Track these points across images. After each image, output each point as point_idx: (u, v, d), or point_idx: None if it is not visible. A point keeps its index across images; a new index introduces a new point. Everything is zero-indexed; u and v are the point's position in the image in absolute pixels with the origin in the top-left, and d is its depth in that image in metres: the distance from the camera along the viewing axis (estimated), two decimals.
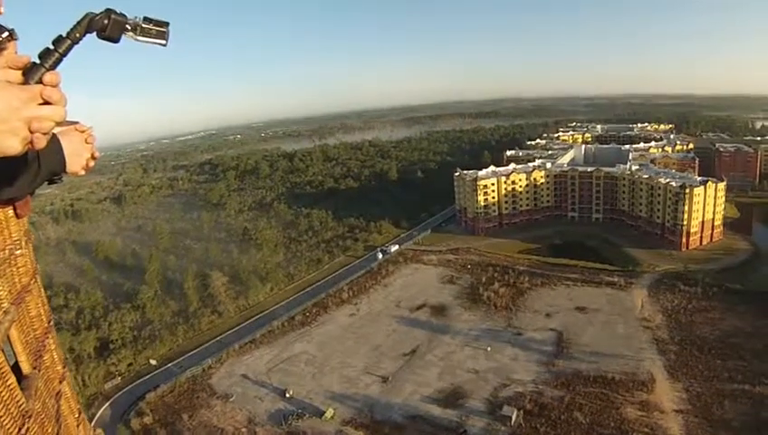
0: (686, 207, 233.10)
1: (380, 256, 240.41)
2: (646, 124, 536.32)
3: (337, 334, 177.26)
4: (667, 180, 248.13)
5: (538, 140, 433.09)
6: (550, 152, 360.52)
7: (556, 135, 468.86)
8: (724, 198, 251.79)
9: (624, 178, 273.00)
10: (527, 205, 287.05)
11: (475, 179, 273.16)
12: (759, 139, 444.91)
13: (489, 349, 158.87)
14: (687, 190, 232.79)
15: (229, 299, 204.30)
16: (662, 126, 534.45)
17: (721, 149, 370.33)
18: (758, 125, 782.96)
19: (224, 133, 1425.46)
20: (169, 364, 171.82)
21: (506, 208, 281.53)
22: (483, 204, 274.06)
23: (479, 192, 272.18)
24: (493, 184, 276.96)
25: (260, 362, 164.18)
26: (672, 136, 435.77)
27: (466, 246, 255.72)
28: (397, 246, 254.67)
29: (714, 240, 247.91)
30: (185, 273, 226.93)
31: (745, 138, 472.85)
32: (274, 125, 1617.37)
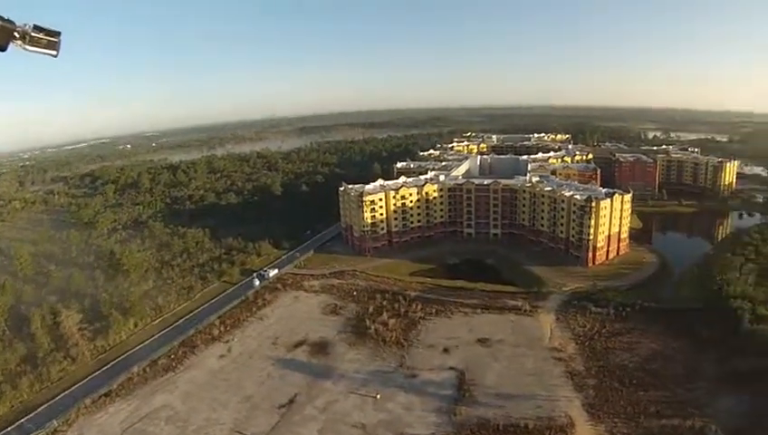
0: (592, 221, 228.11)
1: (257, 282, 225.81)
2: (543, 134, 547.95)
3: (205, 381, 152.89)
4: (571, 193, 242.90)
5: (431, 151, 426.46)
6: (444, 163, 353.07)
7: (450, 145, 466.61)
8: (630, 210, 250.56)
9: (524, 191, 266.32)
10: (419, 221, 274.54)
11: (361, 195, 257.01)
12: (655, 148, 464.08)
13: (378, 396, 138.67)
14: (593, 203, 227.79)
15: (85, 340, 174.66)
16: (559, 136, 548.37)
17: (621, 159, 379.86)
18: (650, 135, 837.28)
19: (116, 142, 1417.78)
20: (8, 428, 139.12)
21: (396, 226, 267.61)
22: (370, 221, 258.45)
23: (366, 208, 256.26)
24: (381, 199, 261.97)
25: (114, 422, 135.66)
26: (570, 146, 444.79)
27: (352, 269, 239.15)
28: (276, 271, 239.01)
29: (620, 254, 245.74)
30: (37, 308, 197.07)
31: (642, 147, 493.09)
32: (168, 134, 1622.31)
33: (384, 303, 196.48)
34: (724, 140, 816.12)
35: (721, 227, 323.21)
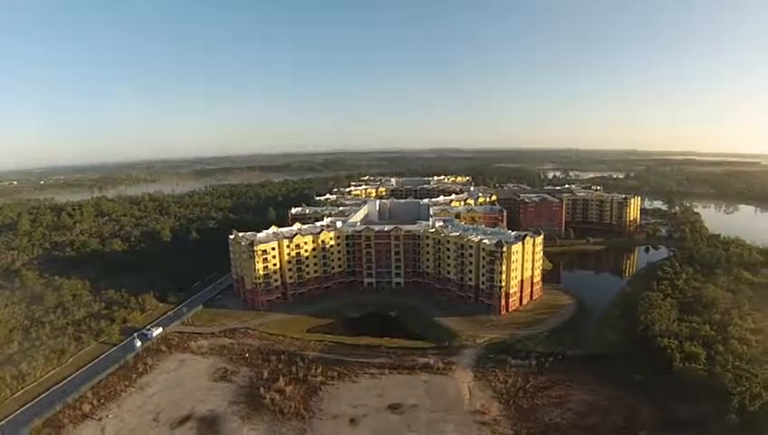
0: (504, 267, 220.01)
1: (138, 343, 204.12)
2: (443, 177, 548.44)
3: None
4: (479, 238, 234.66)
5: (328, 196, 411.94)
6: (341, 208, 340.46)
7: (348, 189, 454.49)
8: (542, 253, 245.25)
9: (428, 238, 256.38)
10: (315, 272, 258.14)
11: (252, 244, 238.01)
12: (558, 188, 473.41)
13: None
14: (504, 248, 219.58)
15: None
16: (459, 178, 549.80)
17: (526, 200, 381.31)
18: (549, 175, 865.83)
19: (0, 178, 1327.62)
20: None
21: (291, 277, 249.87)
22: (262, 273, 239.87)
23: (257, 259, 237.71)
24: (274, 248, 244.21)
25: None
26: (473, 188, 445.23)
27: (244, 327, 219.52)
28: (160, 329, 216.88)
29: (534, 298, 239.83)
30: None
31: (545, 187, 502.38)
32: (59, 172, 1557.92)
33: (280, 365, 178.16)
34: (621, 176, 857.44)
35: (631, 263, 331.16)
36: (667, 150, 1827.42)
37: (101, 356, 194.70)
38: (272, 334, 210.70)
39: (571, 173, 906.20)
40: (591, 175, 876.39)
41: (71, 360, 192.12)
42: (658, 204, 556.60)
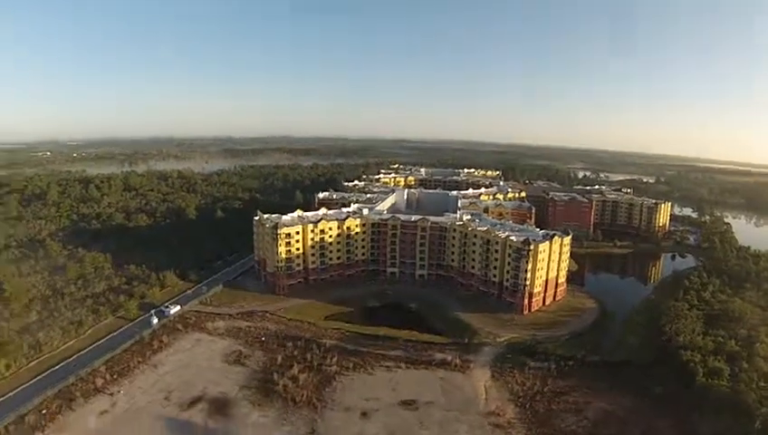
0: (530, 265, 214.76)
1: (155, 320, 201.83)
2: (473, 169, 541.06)
3: None
4: (507, 234, 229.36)
5: (356, 182, 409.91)
6: (368, 196, 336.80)
7: (377, 177, 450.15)
8: (568, 254, 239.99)
9: (455, 230, 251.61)
10: (338, 258, 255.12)
11: (276, 227, 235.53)
12: (588, 188, 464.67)
13: None
14: (531, 246, 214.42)
15: None
16: (489, 172, 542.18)
17: (555, 199, 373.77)
18: (579, 175, 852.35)
19: (33, 148, 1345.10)
20: None
21: (313, 262, 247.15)
22: (285, 256, 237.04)
23: (281, 242, 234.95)
24: (298, 232, 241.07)
25: None
26: (502, 183, 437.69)
27: (262, 310, 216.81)
28: (178, 307, 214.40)
29: (557, 299, 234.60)
30: None
31: (575, 187, 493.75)
32: (93, 145, 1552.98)
33: (295, 352, 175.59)
34: (651, 181, 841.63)
35: (657, 269, 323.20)
36: (697, 157, 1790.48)
37: (118, 331, 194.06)
38: (289, 319, 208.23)
39: (601, 174, 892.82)
40: (621, 177, 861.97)
41: (88, 332, 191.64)
42: (688, 211, 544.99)
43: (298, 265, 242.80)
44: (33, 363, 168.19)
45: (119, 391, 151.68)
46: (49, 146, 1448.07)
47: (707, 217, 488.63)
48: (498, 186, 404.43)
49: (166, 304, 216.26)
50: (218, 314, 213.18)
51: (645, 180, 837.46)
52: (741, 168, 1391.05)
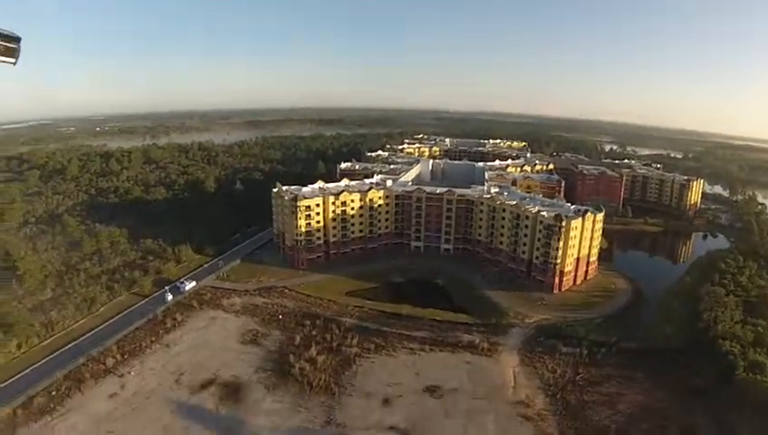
0: (561, 243, 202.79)
1: (170, 297, 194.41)
2: (498, 140, 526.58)
3: (85, 433, 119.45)
4: (537, 209, 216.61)
5: (379, 152, 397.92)
6: (392, 166, 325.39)
7: (400, 147, 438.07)
8: (601, 231, 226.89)
9: (482, 204, 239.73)
10: (361, 232, 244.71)
11: (296, 199, 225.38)
12: (618, 162, 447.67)
13: None
14: (563, 223, 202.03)
15: None
16: (515, 143, 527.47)
17: (585, 172, 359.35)
18: (606, 148, 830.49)
19: (58, 124, 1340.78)
20: None
21: (335, 236, 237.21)
22: (304, 230, 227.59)
23: (300, 215, 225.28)
24: (318, 205, 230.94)
25: None
26: (529, 154, 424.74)
27: (281, 285, 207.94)
28: (193, 283, 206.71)
29: (588, 278, 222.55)
30: None
31: (603, 160, 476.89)
32: (116, 119, 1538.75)
33: (314, 332, 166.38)
34: (679, 156, 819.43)
35: (687, 249, 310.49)
36: (726, 133, 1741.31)
37: (132, 308, 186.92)
38: (309, 296, 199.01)
39: (628, 148, 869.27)
40: (648, 152, 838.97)
41: (101, 310, 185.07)
42: (718, 189, 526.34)
43: (318, 238, 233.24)
44: (45, 342, 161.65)
45: (129, 372, 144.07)
46: (74, 122, 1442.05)
47: (740, 197, 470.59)
48: (525, 157, 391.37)
49: (181, 280, 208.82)
50: (235, 289, 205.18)
51: (672, 155, 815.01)
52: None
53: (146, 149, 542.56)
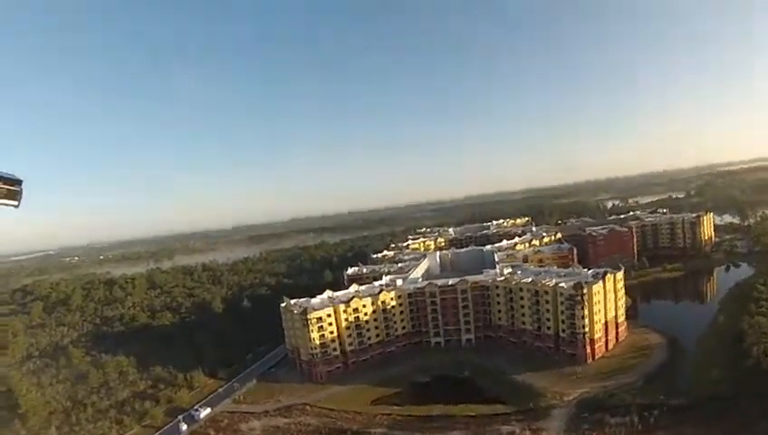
0: (586, 311, 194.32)
1: (184, 428, 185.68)
2: (501, 220, 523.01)
3: None
4: (555, 281, 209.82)
5: (385, 252, 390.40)
6: (400, 265, 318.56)
7: (405, 244, 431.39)
8: (623, 290, 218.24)
9: (497, 287, 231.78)
10: (377, 336, 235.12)
11: (305, 311, 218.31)
12: (623, 216, 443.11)
13: None
14: (584, 290, 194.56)
15: None
16: (519, 220, 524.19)
17: (594, 234, 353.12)
18: (608, 205, 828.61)
19: (62, 254, 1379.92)
20: None
21: (351, 344, 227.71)
22: (319, 342, 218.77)
23: (312, 327, 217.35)
24: (329, 315, 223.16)
25: None
26: (534, 228, 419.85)
27: (301, 402, 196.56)
28: (209, 409, 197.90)
29: (620, 341, 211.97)
30: None
31: (609, 218, 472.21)
32: (119, 246, 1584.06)
33: None
34: (682, 196, 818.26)
35: (713, 286, 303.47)
36: (724, 162, 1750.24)
37: None
38: (332, 410, 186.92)
39: (629, 200, 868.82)
40: (650, 199, 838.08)
41: None
42: (727, 218, 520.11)
43: (334, 349, 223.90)
44: None
45: None
46: (78, 250, 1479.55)
47: (752, 220, 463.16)
48: (531, 232, 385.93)
49: (195, 407, 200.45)
50: (253, 412, 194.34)
51: (675, 196, 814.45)
52: (765, 163, 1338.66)
53: (150, 274, 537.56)
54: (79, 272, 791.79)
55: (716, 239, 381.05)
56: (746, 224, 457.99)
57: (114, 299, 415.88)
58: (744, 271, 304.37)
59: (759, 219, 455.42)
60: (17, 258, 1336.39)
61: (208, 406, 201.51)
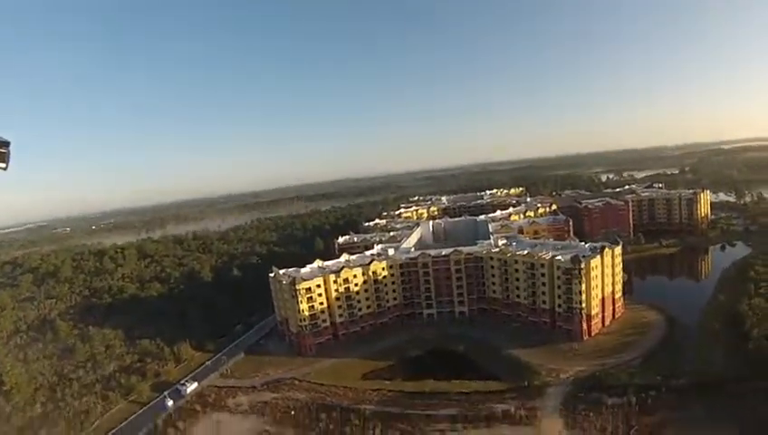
0: (583, 286, 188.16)
1: (170, 402, 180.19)
2: (495, 190, 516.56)
3: None
4: (551, 254, 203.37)
5: (377, 221, 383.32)
6: (392, 234, 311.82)
7: (398, 212, 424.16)
8: (621, 265, 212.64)
9: (492, 259, 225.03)
10: (368, 307, 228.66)
11: (294, 282, 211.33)
12: (619, 190, 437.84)
13: None
14: (582, 264, 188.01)
15: None
16: (513, 190, 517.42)
17: (590, 206, 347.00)
18: (603, 178, 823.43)
19: (54, 225, 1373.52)
20: None
21: (341, 315, 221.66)
22: (308, 313, 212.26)
23: (301, 298, 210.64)
24: (319, 285, 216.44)
25: None
26: (529, 199, 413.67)
27: (290, 376, 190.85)
28: (195, 384, 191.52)
29: (617, 317, 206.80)
30: None
31: (605, 191, 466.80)
32: (111, 216, 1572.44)
33: (331, 426, 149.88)
34: (676, 172, 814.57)
35: (709, 264, 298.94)
36: (718, 140, 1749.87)
37: (128, 419, 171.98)
38: (322, 385, 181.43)
39: (624, 174, 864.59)
40: (645, 174, 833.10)
41: (96, 423, 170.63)
42: (722, 196, 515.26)
43: (324, 320, 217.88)
44: None
45: None
46: (70, 222, 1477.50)
47: (748, 199, 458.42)
48: (526, 203, 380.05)
49: (182, 382, 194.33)
50: (240, 387, 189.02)
51: (669, 172, 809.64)
52: (764, 142, 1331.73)
53: (140, 244, 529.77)
54: (70, 243, 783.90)
55: (713, 217, 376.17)
56: (742, 202, 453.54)
57: (104, 270, 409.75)
58: (740, 250, 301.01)
59: (756, 199, 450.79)
60: (7, 231, 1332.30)
61: (195, 380, 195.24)
